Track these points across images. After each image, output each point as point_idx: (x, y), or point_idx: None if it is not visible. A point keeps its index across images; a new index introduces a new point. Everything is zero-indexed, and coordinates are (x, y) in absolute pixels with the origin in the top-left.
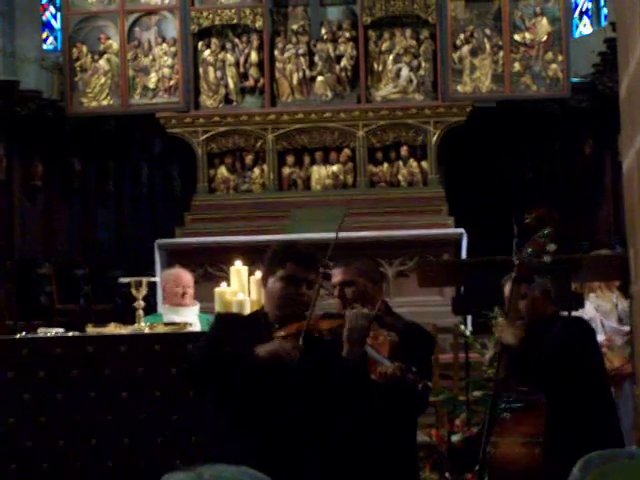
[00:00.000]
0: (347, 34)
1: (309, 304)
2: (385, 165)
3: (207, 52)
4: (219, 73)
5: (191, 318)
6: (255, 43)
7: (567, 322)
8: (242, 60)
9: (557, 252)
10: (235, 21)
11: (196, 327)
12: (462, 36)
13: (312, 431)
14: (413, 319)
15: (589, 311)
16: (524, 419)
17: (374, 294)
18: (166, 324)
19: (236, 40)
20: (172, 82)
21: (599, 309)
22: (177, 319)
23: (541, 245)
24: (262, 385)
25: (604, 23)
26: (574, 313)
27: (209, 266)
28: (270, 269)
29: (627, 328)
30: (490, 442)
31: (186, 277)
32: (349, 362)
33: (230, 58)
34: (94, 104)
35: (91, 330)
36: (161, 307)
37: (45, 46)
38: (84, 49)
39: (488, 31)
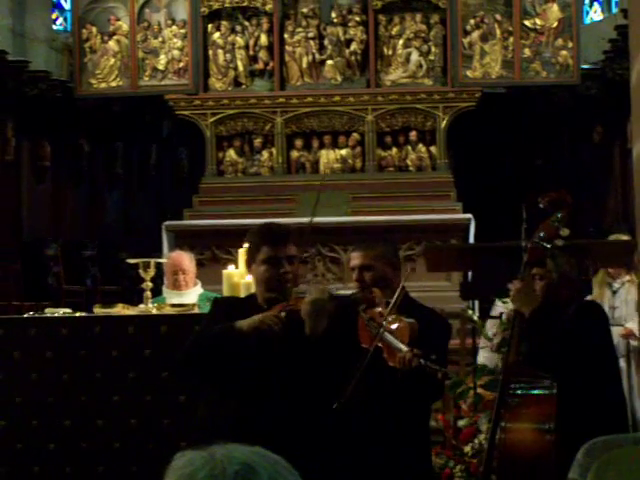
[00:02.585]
0: (357, 18)
1: (296, 280)
2: (394, 150)
3: (217, 35)
4: (228, 56)
5: (193, 300)
6: (265, 26)
7: (582, 306)
8: (252, 43)
9: (569, 237)
10: (245, 3)
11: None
12: (472, 21)
13: (314, 420)
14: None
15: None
16: (535, 405)
17: (393, 279)
18: (173, 305)
19: (246, 23)
20: (181, 64)
21: None
22: (179, 301)
23: (554, 229)
24: (248, 363)
25: (615, 9)
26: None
27: (216, 248)
28: (251, 255)
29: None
30: (500, 427)
31: (182, 260)
32: (312, 338)
33: (240, 41)
34: (103, 85)
35: (99, 311)
36: (164, 290)
37: (55, 27)
38: (94, 30)
39: (498, 16)
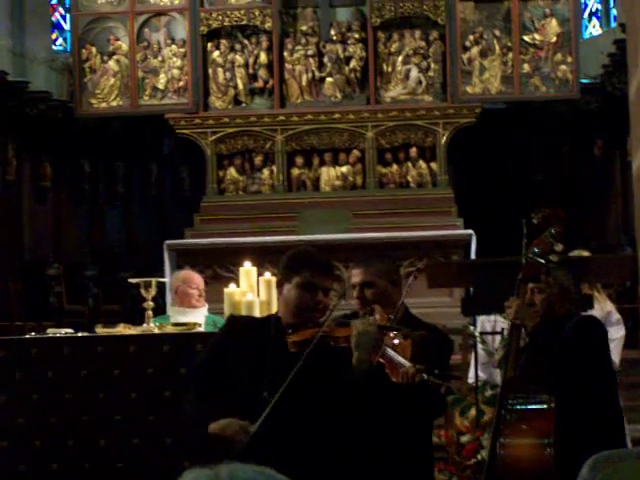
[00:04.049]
0: (356, 35)
1: (325, 311)
2: (394, 166)
3: (216, 53)
4: (228, 74)
5: (199, 319)
6: (264, 44)
7: (582, 320)
8: (251, 61)
9: (564, 252)
10: (244, 22)
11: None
12: (471, 37)
13: (320, 436)
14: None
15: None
16: (533, 420)
17: (394, 296)
18: (175, 324)
19: (245, 41)
20: (181, 83)
21: None
22: (184, 321)
23: (548, 245)
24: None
25: (613, 24)
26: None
27: (218, 267)
28: (286, 276)
29: None
30: (499, 443)
31: (198, 278)
32: (358, 370)
33: (239, 59)
34: (103, 105)
35: (100, 330)
36: (169, 309)
37: (55, 47)
38: (93, 50)
39: (497, 32)
